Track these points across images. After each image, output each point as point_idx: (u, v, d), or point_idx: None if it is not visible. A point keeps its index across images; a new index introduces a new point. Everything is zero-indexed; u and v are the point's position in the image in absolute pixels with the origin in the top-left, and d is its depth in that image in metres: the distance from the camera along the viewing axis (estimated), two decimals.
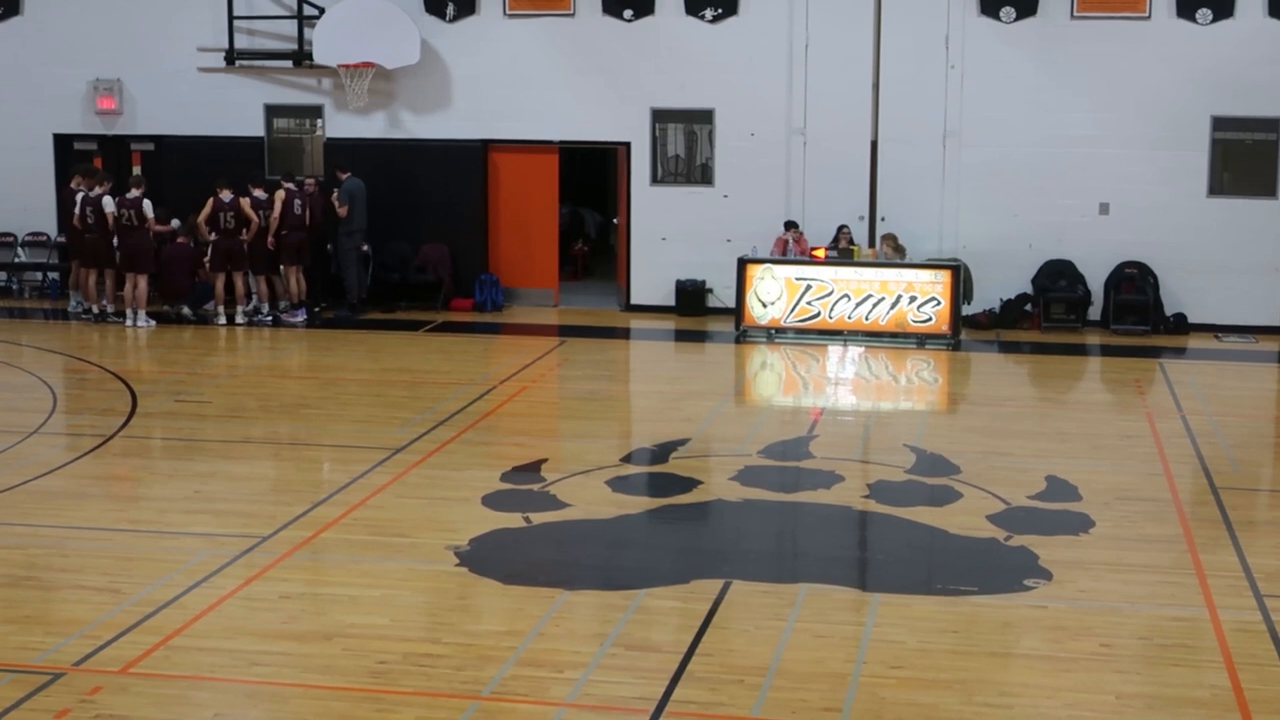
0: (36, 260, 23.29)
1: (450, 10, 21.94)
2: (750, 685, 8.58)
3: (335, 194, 21.23)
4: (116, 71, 22.78)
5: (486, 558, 10.81)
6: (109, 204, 20.37)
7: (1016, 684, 8.67)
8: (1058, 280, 20.85)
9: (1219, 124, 20.57)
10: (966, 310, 20.35)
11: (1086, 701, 8.42)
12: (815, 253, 20.19)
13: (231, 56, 22.31)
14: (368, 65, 21.62)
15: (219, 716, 8.23)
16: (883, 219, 20.98)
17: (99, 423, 15.01)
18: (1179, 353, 19.58)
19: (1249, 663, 8.95)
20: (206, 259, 20.88)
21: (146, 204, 20.40)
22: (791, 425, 15.51)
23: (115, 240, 20.44)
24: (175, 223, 21.13)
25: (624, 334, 21.12)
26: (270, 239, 20.67)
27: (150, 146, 22.93)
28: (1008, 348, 19.96)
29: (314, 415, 15.94)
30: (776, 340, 19.89)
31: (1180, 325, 20.62)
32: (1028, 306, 20.97)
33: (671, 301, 21.77)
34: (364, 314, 21.51)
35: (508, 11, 21.84)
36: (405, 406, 15.83)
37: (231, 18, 22.18)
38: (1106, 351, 19.79)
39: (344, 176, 21.28)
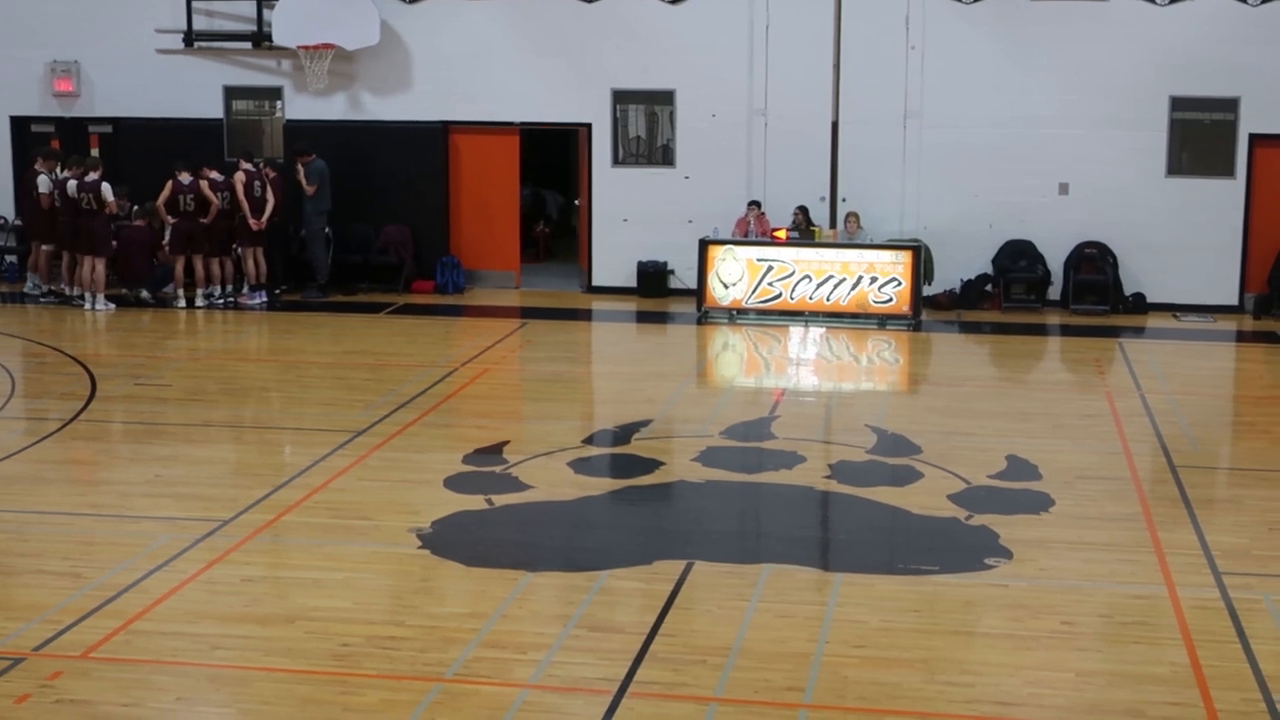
0: None
1: None
2: (713, 665, 8.61)
3: (303, 173, 21.07)
4: (74, 53, 22.58)
5: (449, 540, 10.81)
6: (72, 188, 20.25)
7: (978, 662, 8.73)
8: (1018, 260, 20.93)
9: (1177, 104, 20.64)
10: (927, 291, 20.37)
11: (1047, 679, 8.48)
12: (776, 234, 20.21)
13: (190, 38, 22.16)
14: (327, 46, 21.50)
15: (181, 700, 8.21)
16: (843, 199, 21.01)
17: (58, 407, 14.92)
18: (1138, 332, 19.69)
19: (1207, 640, 9.03)
20: (165, 242, 20.76)
21: (105, 187, 20.24)
22: (753, 406, 15.54)
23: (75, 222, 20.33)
24: (134, 208, 20.99)
25: (586, 315, 21.09)
26: (253, 221, 20.55)
27: (108, 129, 22.73)
28: (968, 328, 20.02)
29: (275, 398, 15.91)
30: (738, 321, 19.91)
31: (1139, 305, 20.72)
32: (988, 287, 21.03)
33: (633, 283, 21.74)
34: (328, 295, 21.41)
35: None
36: (367, 389, 15.79)
37: None
38: (1066, 331, 19.87)
39: (309, 159, 21.13)
